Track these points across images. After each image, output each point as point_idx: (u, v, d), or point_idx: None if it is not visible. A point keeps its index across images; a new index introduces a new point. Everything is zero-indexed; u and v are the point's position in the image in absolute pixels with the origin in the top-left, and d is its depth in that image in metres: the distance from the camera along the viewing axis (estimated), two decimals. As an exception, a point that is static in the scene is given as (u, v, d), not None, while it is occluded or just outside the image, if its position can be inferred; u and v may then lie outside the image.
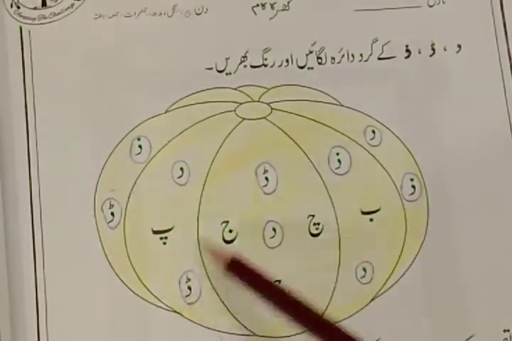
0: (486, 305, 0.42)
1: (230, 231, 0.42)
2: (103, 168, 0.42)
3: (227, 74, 0.44)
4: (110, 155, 0.43)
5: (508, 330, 0.42)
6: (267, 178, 0.43)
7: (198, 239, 0.42)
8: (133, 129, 0.43)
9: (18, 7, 0.44)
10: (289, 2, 0.45)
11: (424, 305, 0.42)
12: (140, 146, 0.43)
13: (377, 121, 0.44)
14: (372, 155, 0.44)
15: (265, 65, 0.44)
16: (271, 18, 0.45)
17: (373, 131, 0.44)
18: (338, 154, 0.43)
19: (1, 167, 0.42)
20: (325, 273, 0.42)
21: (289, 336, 0.42)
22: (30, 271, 0.41)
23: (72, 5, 0.44)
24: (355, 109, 0.44)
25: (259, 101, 0.44)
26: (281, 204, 0.43)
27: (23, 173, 0.42)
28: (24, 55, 0.43)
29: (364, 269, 0.42)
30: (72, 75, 0.43)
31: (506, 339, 0.42)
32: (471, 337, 0.42)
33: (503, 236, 0.43)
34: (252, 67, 0.44)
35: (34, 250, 0.41)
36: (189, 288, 0.42)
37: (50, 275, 0.41)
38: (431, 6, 0.45)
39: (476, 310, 0.42)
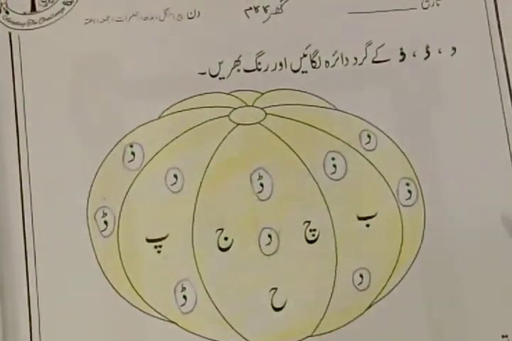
0: (484, 311, 0.42)
1: (226, 238, 0.42)
2: (95, 176, 0.42)
3: (220, 78, 0.44)
4: (102, 163, 0.42)
5: (507, 336, 0.42)
6: (261, 184, 0.43)
7: (192, 247, 0.42)
8: (125, 136, 0.43)
9: (7, 12, 0.43)
10: (282, 5, 0.44)
11: (422, 311, 0.42)
12: (133, 153, 0.42)
13: (373, 125, 0.44)
14: (367, 159, 0.43)
15: (259, 69, 0.44)
16: (264, 22, 0.44)
17: (369, 136, 0.44)
18: (333, 159, 0.43)
19: (-9, 175, 0.42)
20: (322, 279, 0.42)
21: (285, 344, 0.41)
22: (23, 281, 0.41)
23: (62, 10, 0.43)
24: (350, 113, 0.44)
25: (253, 105, 0.44)
26: (276, 211, 0.42)
27: (14, 182, 0.41)
28: (14, 61, 0.43)
29: (361, 275, 0.42)
30: (63, 81, 0.43)
31: (505, 344, 0.42)
32: (469, 343, 0.42)
33: (500, 241, 0.43)
34: (246, 71, 0.44)
35: (26, 259, 0.41)
36: (184, 297, 0.41)
37: (42, 284, 0.41)
38: (425, 9, 0.45)
39: (475, 316, 0.42)
